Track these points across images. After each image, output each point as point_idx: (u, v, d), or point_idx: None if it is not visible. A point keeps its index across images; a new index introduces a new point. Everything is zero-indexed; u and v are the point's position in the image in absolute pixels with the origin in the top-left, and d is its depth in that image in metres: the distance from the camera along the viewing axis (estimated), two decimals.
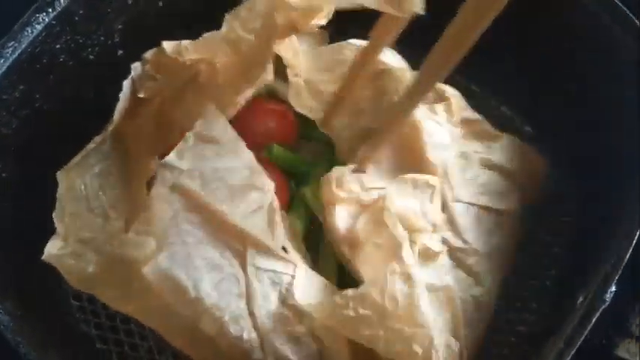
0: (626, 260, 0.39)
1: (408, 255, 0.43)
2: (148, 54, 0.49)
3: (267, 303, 0.43)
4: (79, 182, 0.47)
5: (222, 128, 0.45)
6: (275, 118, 0.54)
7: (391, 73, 0.50)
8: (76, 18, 0.50)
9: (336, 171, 0.47)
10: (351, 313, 0.41)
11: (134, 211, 0.47)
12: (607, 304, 0.38)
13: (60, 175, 0.46)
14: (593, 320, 0.38)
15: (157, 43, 0.55)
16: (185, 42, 0.48)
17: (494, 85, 0.59)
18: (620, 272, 0.39)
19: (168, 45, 0.48)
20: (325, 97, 0.50)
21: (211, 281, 0.42)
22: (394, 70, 0.51)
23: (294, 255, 0.45)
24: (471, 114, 0.52)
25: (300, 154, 0.55)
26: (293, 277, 0.44)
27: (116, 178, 0.48)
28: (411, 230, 0.45)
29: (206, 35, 0.47)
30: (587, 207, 0.54)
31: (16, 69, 0.47)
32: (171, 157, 0.43)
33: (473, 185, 0.50)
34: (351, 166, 0.48)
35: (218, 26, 0.47)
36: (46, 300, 0.47)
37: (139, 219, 0.42)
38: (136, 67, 0.49)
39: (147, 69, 0.49)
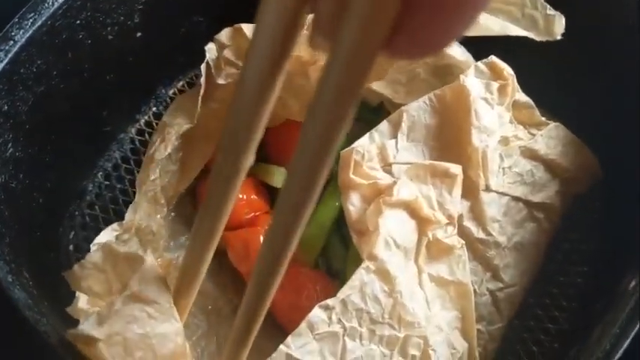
0: None
1: (383, 248, 0.40)
2: (223, 36, 0.47)
3: None
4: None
5: (159, 287, 0.36)
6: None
7: (458, 68, 0.49)
8: None
9: (355, 151, 0.44)
10: (338, 328, 0.38)
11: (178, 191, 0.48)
12: None
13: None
14: None
15: (176, 27, 0.55)
16: None
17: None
18: None
19: (249, 29, 0.47)
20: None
21: None
22: (459, 63, 0.49)
23: None
24: (523, 97, 0.49)
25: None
26: None
27: (174, 160, 0.48)
28: (422, 221, 0.42)
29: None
30: (615, 201, 0.52)
31: (35, 42, 0.45)
32: (86, 325, 0.34)
33: (508, 174, 0.47)
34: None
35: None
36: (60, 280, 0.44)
37: None
38: (210, 50, 0.47)
39: (226, 54, 0.47)
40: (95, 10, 0.49)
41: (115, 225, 0.46)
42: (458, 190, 0.44)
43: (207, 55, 0.47)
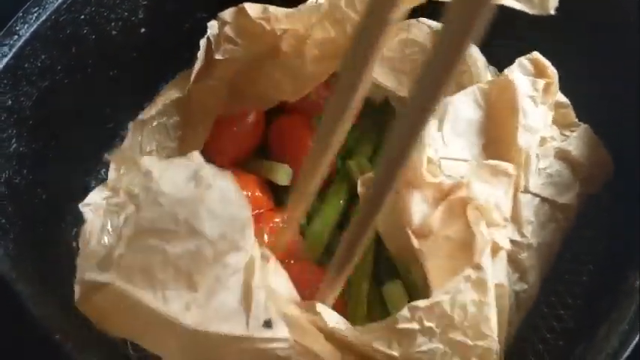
0: None
1: (487, 259, 0.39)
2: (227, 14, 0.48)
3: None
4: (138, 135, 0.46)
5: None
6: (327, 88, 0.52)
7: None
8: None
9: (427, 147, 0.43)
10: (416, 325, 0.37)
11: None
12: None
13: (131, 126, 0.47)
14: None
15: (181, 23, 0.55)
16: (272, 8, 0.46)
17: None
18: None
19: (252, 8, 0.47)
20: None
21: None
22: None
23: (281, 327, 0.36)
24: (562, 98, 0.49)
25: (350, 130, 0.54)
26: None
27: (172, 137, 0.48)
28: (487, 225, 0.41)
29: (303, 7, 0.46)
30: (621, 200, 0.52)
31: (39, 37, 0.45)
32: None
33: (542, 175, 0.47)
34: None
35: None
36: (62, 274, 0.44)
37: None
38: (212, 26, 0.47)
39: (226, 31, 0.47)
40: (99, 5, 0.49)
41: (100, 186, 0.42)
42: (512, 191, 0.44)
43: (209, 31, 0.47)
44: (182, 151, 0.50)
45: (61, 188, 0.50)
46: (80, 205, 0.42)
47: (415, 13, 0.48)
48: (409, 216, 0.42)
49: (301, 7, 0.47)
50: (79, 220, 0.48)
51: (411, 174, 0.43)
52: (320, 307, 0.38)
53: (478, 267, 0.39)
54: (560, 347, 0.49)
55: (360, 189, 0.46)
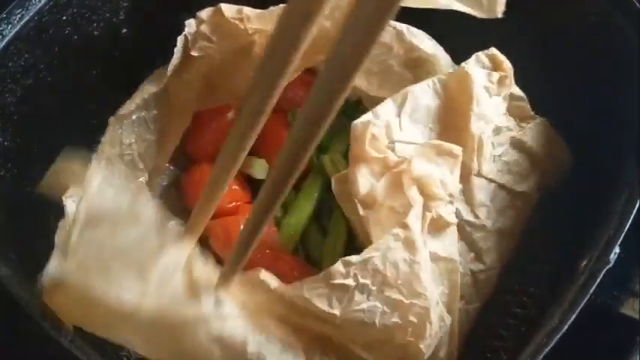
0: (628, 224, 0.40)
1: (415, 221, 0.43)
2: (204, 13, 0.50)
3: None
4: (118, 129, 0.48)
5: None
6: (303, 85, 0.53)
7: (428, 61, 0.51)
8: None
9: (371, 124, 0.46)
10: (351, 282, 0.40)
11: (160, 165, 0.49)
12: (610, 265, 0.39)
13: (111, 120, 0.49)
14: (597, 281, 0.39)
15: (161, 24, 0.57)
16: (247, 9, 0.49)
17: None
18: (622, 235, 0.40)
19: (227, 8, 0.49)
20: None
21: None
22: (430, 56, 0.52)
23: (229, 305, 0.39)
24: (517, 91, 0.52)
25: None
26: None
27: (151, 129, 0.50)
28: (428, 197, 0.44)
29: (273, 8, 0.48)
30: (585, 177, 0.53)
31: (23, 37, 0.47)
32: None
33: (498, 162, 0.50)
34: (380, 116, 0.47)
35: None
36: None
37: None
38: (190, 24, 0.50)
39: (202, 29, 0.50)
40: (81, 6, 0.50)
41: None
42: (458, 170, 0.47)
43: (186, 29, 0.50)
44: (161, 142, 0.52)
45: None
46: (63, 197, 0.44)
47: None
48: (356, 187, 0.45)
49: (272, 8, 0.49)
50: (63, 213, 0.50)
51: (359, 148, 0.45)
52: (263, 275, 0.41)
53: (405, 226, 0.42)
54: (522, 333, 0.51)
55: (334, 186, 0.48)
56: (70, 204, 0.44)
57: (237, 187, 0.56)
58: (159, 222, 0.38)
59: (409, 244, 0.41)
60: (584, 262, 0.40)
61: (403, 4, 0.25)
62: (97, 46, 0.53)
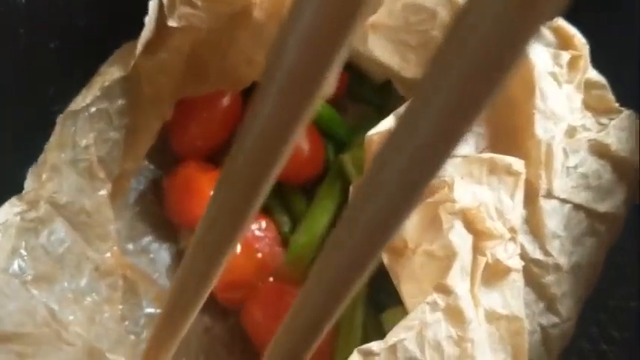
0: None
1: (460, 277, 0.31)
2: None
3: None
4: (71, 127, 0.39)
5: None
6: None
7: None
8: None
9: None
10: None
11: (125, 175, 0.41)
12: None
13: (60, 119, 0.39)
14: None
15: None
16: None
17: None
18: None
19: None
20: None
21: None
22: None
23: None
24: (595, 75, 0.40)
25: (345, 117, 0.49)
26: None
27: (116, 125, 0.40)
28: (480, 235, 0.33)
29: None
30: None
31: None
32: None
33: (573, 175, 0.38)
34: None
35: None
36: None
37: None
38: None
39: None
40: None
41: (13, 199, 0.38)
42: (521, 193, 0.35)
43: None
44: (129, 142, 0.41)
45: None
46: None
47: None
48: None
49: None
50: None
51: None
52: None
53: (445, 289, 0.31)
54: None
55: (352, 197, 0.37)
56: None
57: None
58: None
59: (454, 315, 0.31)
60: None
61: None
62: (55, 11, 0.42)
